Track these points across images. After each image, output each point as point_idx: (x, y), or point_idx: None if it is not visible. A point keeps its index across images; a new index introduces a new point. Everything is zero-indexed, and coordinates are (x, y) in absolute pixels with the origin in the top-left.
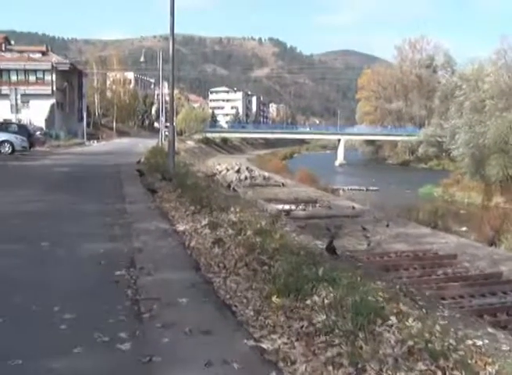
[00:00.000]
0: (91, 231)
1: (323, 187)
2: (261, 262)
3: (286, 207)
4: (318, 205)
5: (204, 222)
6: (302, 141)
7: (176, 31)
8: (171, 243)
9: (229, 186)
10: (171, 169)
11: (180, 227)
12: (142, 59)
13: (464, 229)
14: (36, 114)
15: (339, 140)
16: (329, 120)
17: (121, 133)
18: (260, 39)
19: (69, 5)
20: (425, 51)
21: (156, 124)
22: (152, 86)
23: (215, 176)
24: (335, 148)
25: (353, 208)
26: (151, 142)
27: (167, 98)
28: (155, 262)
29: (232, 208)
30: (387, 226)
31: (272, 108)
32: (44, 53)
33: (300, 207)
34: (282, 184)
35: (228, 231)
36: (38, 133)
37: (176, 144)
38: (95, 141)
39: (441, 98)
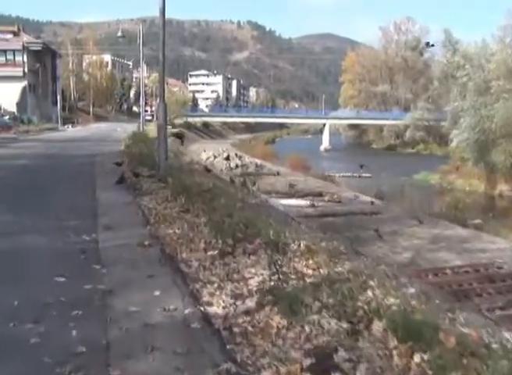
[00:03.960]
0: (14, 333)
1: (320, 176)
2: None
3: (292, 202)
4: (326, 198)
5: (255, 281)
6: (282, 126)
7: (153, 14)
8: None
9: (244, 184)
10: (162, 162)
11: (215, 306)
12: (119, 34)
13: (477, 221)
14: (6, 98)
15: (324, 124)
16: (309, 104)
17: (98, 118)
18: (239, 22)
19: None
20: (411, 33)
21: (135, 108)
22: (130, 67)
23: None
24: (316, 132)
25: (372, 203)
26: (131, 127)
27: (146, 81)
28: None
29: (292, 245)
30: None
31: (252, 92)
32: (15, 33)
33: (309, 203)
34: (277, 173)
35: (323, 318)
36: (7, 117)
37: (155, 128)
38: (70, 126)
39: (440, 79)
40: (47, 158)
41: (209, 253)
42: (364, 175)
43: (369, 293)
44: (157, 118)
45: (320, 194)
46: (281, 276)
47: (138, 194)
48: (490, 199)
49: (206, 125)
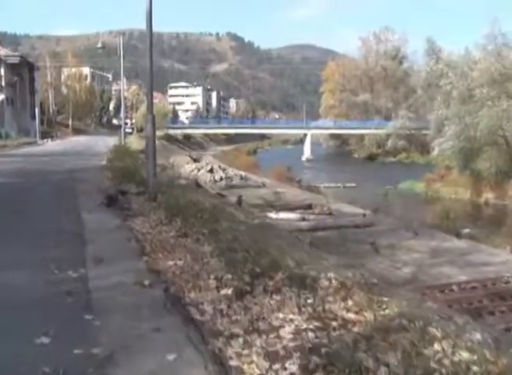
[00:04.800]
0: None
1: (306, 187)
2: None
3: (283, 215)
4: (316, 210)
5: (287, 332)
6: (263, 136)
7: (132, 27)
8: None
9: (239, 202)
10: (151, 178)
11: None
12: (99, 45)
13: (467, 230)
14: None
15: (305, 134)
16: (289, 114)
17: (77, 131)
18: (217, 34)
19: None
20: (390, 43)
21: (115, 121)
22: (110, 79)
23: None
24: (297, 142)
25: (364, 215)
26: (112, 140)
27: (126, 94)
28: None
29: (322, 280)
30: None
31: (232, 103)
32: None
33: (299, 216)
34: (263, 185)
35: None
36: None
37: (138, 141)
38: (49, 140)
39: (423, 87)
40: (25, 175)
41: (222, 292)
42: (348, 185)
43: (436, 346)
44: (138, 130)
45: (309, 207)
46: (319, 325)
47: (127, 216)
48: (477, 207)
49: (187, 137)
